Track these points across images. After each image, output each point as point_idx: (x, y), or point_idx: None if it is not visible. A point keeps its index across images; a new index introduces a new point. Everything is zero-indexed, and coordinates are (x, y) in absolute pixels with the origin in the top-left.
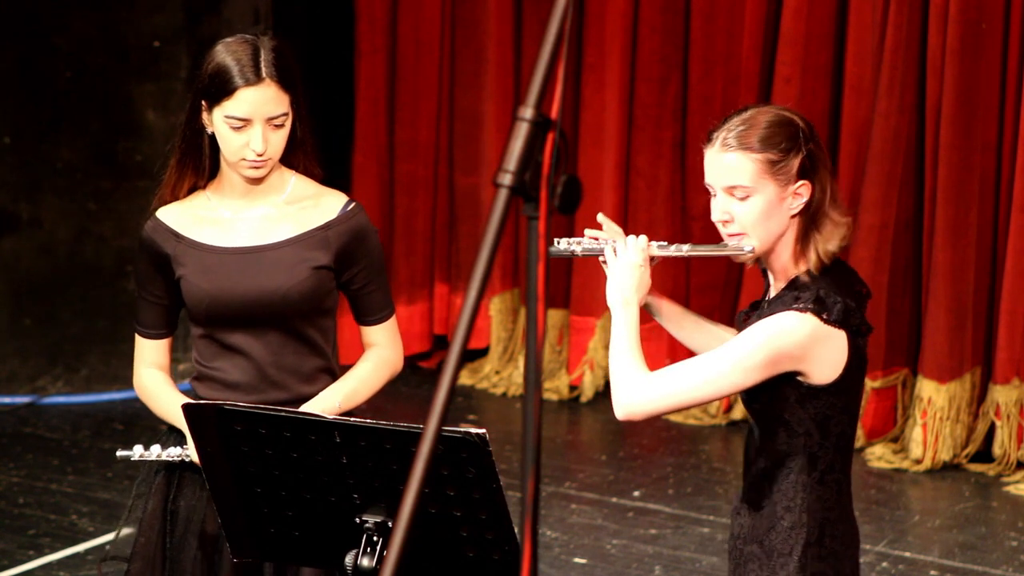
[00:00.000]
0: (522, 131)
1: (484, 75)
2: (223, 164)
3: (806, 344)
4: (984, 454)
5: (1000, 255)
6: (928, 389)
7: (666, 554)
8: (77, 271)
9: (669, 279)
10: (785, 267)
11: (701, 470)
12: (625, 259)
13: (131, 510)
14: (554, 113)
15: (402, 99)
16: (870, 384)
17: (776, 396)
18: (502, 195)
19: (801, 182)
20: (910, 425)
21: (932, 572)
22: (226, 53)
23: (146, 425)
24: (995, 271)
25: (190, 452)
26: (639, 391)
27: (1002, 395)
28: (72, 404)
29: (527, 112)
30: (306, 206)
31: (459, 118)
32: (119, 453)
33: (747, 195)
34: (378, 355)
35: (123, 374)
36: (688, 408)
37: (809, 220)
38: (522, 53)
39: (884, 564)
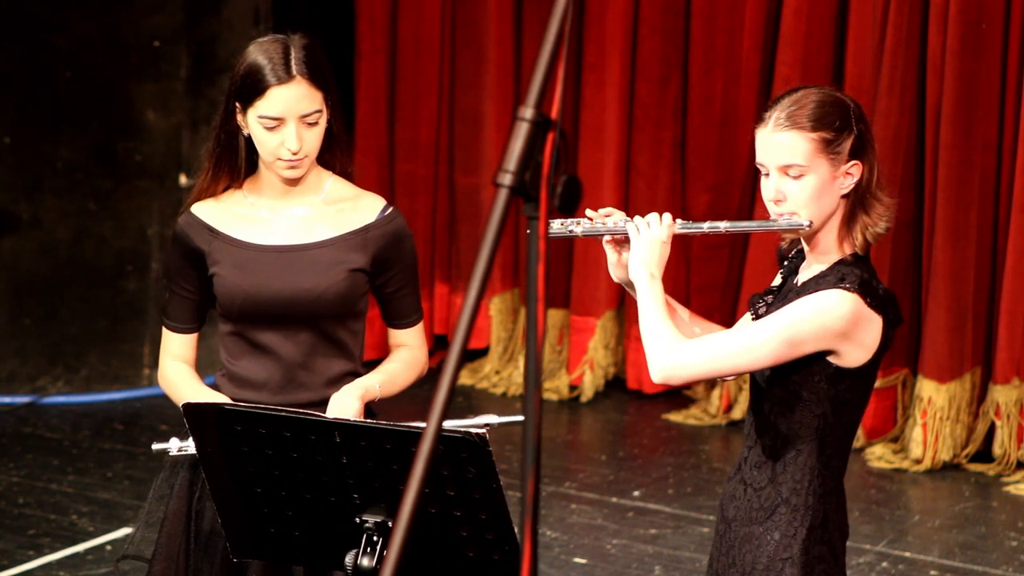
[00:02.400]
0: (522, 131)
1: (484, 75)
2: (260, 164)
3: (849, 323)
4: (984, 454)
5: (1000, 255)
6: (928, 389)
7: (666, 554)
8: (77, 271)
9: (669, 279)
10: (828, 248)
11: (701, 470)
12: (652, 234)
13: (150, 510)
14: (554, 113)
15: (402, 99)
16: None
17: (803, 373)
18: (502, 195)
19: (852, 162)
20: (910, 425)
21: (932, 572)
22: (257, 53)
23: (146, 425)
24: (995, 271)
25: None
26: (680, 354)
27: (1002, 395)
28: (72, 404)
29: (527, 112)
30: (344, 208)
31: (459, 118)
32: (155, 446)
33: (801, 174)
34: (410, 354)
35: (123, 374)
36: (725, 376)
37: (858, 201)
38: (522, 53)
39: (884, 564)
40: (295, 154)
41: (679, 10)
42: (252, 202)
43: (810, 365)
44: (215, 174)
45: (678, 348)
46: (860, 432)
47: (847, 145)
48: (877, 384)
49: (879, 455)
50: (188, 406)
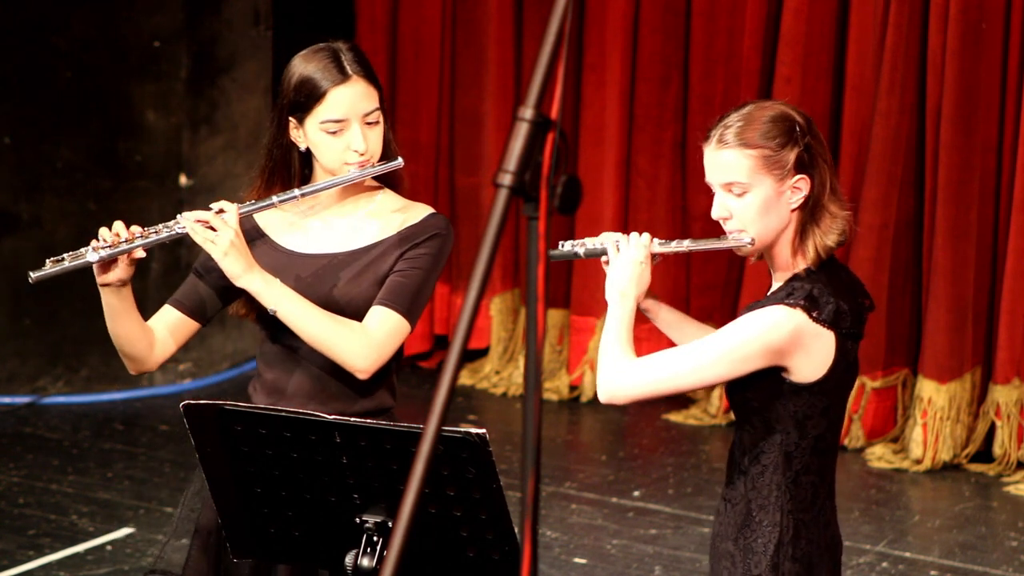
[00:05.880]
0: (522, 131)
1: (484, 75)
2: (318, 172)
3: (792, 339)
4: (984, 454)
5: (1000, 255)
6: (928, 389)
7: (666, 554)
8: (77, 271)
9: (669, 279)
10: (786, 262)
11: (701, 470)
12: (627, 255)
13: (179, 523)
14: (554, 113)
15: (402, 99)
16: (870, 384)
17: (758, 389)
18: (502, 195)
19: (799, 176)
20: (910, 425)
21: (932, 572)
22: (305, 63)
23: (146, 425)
24: (995, 271)
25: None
26: (625, 375)
27: (1002, 395)
28: (72, 404)
29: (527, 112)
30: (392, 219)
31: (459, 118)
32: (32, 272)
33: (744, 191)
34: (363, 326)
35: (123, 374)
36: (672, 394)
37: (808, 214)
38: (522, 53)
39: (884, 564)
40: (362, 155)
41: (679, 10)
42: (305, 211)
43: (765, 381)
44: (266, 191)
45: (624, 368)
46: (860, 432)
47: (791, 160)
48: (877, 384)
49: (879, 455)
50: (188, 406)
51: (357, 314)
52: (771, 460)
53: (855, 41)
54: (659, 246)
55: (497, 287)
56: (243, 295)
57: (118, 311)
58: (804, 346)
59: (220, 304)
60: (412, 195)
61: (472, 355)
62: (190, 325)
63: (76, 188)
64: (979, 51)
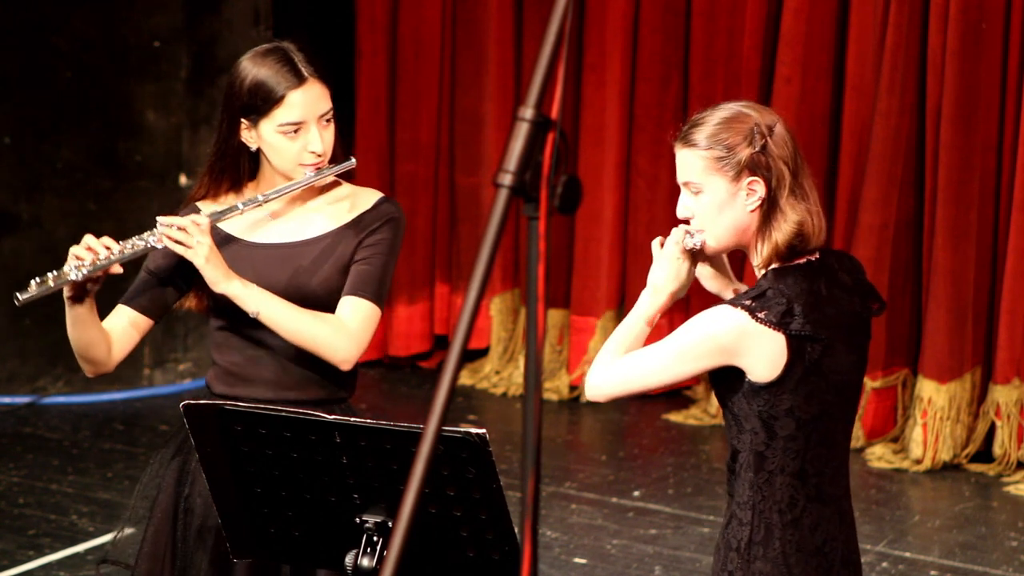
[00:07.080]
0: (522, 131)
1: (484, 75)
2: (266, 170)
3: (734, 339)
4: (984, 454)
5: (1000, 255)
6: (928, 389)
7: (666, 554)
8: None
9: None
10: (755, 263)
11: (701, 470)
12: (664, 251)
13: (133, 510)
14: (554, 113)
15: (403, 99)
16: (870, 384)
17: (726, 387)
18: (502, 195)
19: (752, 178)
20: (910, 425)
21: (932, 572)
22: (258, 66)
23: (146, 425)
24: (995, 271)
25: (84, 267)
26: (603, 376)
27: (1002, 395)
28: (72, 404)
29: (527, 112)
30: (342, 206)
31: (459, 118)
32: (18, 295)
33: (699, 191)
34: (339, 319)
35: (123, 374)
36: (646, 393)
37: (763, 215)
38: (522, 53)
39: (884, 564)
40: (319, 156)
41: (679, 10)
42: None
43: (729, 378)
44: (215, 188)
45: (608, 367)
46: (860, 432)
47: (742, 161)
48: (877, 384)
49: (879, 455)
50: (188, 406)
51: (320, 302)
52: (745, 458)
53: (855, 41)
54: (689, 240)
55: (497, 287)
56: (193, 289)
57: (83, 319)
58: (748, 346)
59: (175, 299)
60: (412, 194)
61: (472, 355)
62: (145, 324)
63: (76, 188)
64: (979, 51)
